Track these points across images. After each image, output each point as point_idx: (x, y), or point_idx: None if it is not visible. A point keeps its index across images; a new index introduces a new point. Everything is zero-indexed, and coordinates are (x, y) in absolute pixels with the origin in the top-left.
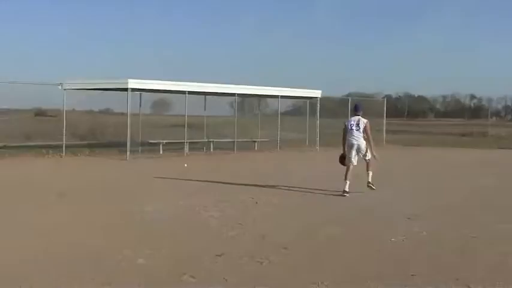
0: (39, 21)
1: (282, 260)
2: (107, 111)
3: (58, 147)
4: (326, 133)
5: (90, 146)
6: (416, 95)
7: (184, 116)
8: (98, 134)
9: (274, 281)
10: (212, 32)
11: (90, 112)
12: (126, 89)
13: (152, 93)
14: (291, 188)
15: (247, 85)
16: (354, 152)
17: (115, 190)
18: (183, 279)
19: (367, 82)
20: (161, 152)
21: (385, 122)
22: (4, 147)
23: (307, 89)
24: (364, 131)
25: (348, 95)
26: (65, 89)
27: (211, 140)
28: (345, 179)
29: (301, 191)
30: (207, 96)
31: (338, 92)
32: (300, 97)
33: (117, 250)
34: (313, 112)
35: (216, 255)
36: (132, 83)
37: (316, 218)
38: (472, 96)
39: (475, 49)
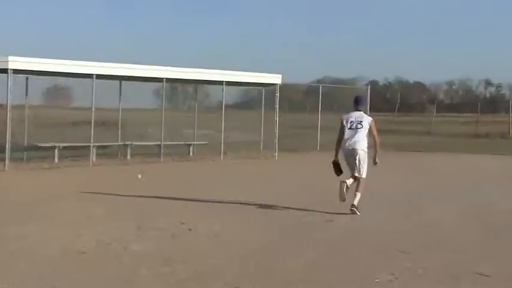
0: None
1: None
2: None
3: None
4: (288, 134)
5: None
6: (411, 81)
7: (91, 109)
8: None
9: None
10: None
11: None
12: (5, 71)
13: (45, 78)
14: (241, 207)
15: (180, 67)
16: (350, 164)
17: None
18: None
19: (345, 64)
20: (56, 160)
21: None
22: None
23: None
24: (371, 131)
25: (318, 82)
26: None
27: (129, 143)
28: (341, 198)
29: (256, 213)
30: (123, 83)
31: (307, 78)
32: (252, 84)
33: None
34: (271, 105)
35: None
36: (15, 62)
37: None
38: (488, 83)
39: (490, 19)
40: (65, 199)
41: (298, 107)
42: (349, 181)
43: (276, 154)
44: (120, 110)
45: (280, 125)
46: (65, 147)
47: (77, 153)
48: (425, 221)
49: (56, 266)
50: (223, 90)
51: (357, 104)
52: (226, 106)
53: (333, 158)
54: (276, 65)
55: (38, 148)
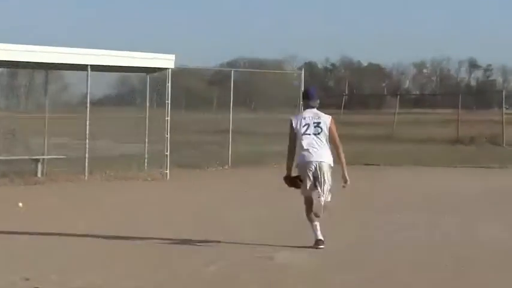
0: None
1: None
2: None
3: None
4: (186, 142)
5: None
6: (364, 63)
7: None
8: None
9: None
10: None
11: None
12: None
13: None
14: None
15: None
16: (311, 179)
17: None
18: None
19: (267, 40)
20: None
21: None
22: None
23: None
24: (330, 134)
25: (229, 65)
26: None
27: None
28: (310, 220)
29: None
30: None
31: (213, 60)
32: (131, 69)
33: None
34: (161, 100)
35: None
36: None
37: None
38: (472, 64)
39: None
40: None
41: (201, 102)
42: (316, 199)
43: (167, 172)
44: None
45: (174, 128)
46: None
47: None
48: None
49: None
50: (87, 79)
51: (309, 98)
52: (94, 102)
53: (284, 174)
54: (167, 43)
55: None
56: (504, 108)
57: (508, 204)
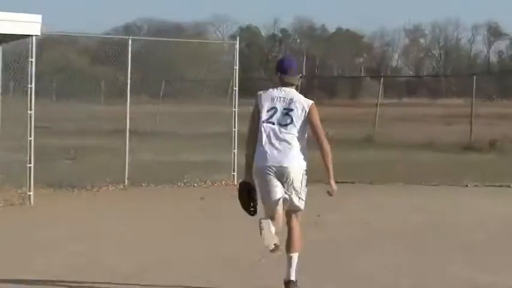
0: None
1: None
2: None
3: None
4: (59, 148)
5: None
6: (331, 29)
7: None
8: None
9: None
10: None
11: None
12: None
13: None
14: None
15: None
16: (276, 185)
17: None
18: None
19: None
20: None
21: (237, 110)
22: None
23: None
24: (311, 127)
25: (127, 31)
26: None
27: None
28: (270, 243)
29: None
30: None
31: (101, 24)
32: None
33: None
34: (19, 83)
35: None
36: None
37: None
38: (493, 31)
39: None
40: None
41: (82, 88)
42: (270, 227)
43: (31, 194)
44: None
45: (41, 127)
46: None
47: None
48: None
49: None
50: None
51: (283, 71)
52: None
53: (242, 179)
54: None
55: None
56: None
57: None
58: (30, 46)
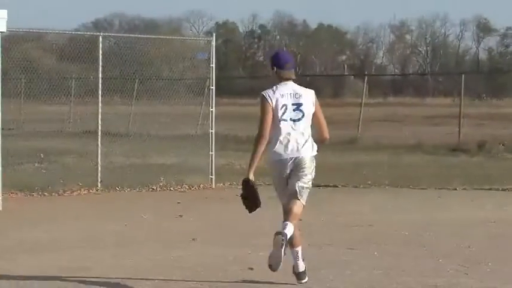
0: None
1: None
2: None
3: None
4: (28, 149)
5: None
6: (313, 25)
7: None
8: None
9: None
10: None
11: None
12: None
13: None
14: None
15: None
16: (285, 178)
17: None
18: None
19: None
20: None
21: (214, 111)
22: None
23: None
24: (317, 115)
25: (99, 25)
26: None
27: None
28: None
29: None
30: None
31: (71, 20)
32: None
33: None
34: None
35: None
36: None
37: None
38: (482, 27)
39: None
40: None
41: (51, 87)
42: (290, 228)
43: (0, 199)
44: None
45: (8, 128)
46: None
47: None
48: None
49: None
50: None
51: (282, 66)
52: None
53: (245, 176)
54: None
55: None
56: None
57: None
58: None
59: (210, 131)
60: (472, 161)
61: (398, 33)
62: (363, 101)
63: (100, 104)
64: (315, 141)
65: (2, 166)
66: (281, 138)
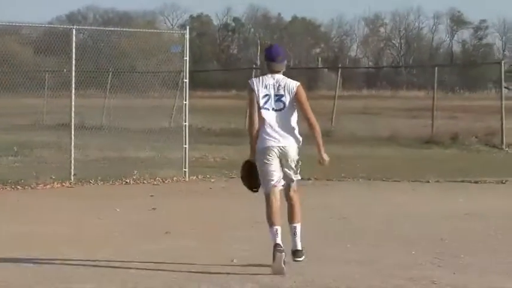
0: None
1: None
2: None
3: None
4: None
5: None
6: (287, 17)
7: None
8: None
9: None
10: None
11: None
12: None
13: None
14: None
15: None
16: (275, 163)
17: None
18: None
19: None
20: None
21: (187, 104)
22: None
23: None
24: (299, 108)
25: (72, 18)
26: None
27: None
28: (271, 224)
29: None
30: None
31: (51, 11)
32: None
33: None
34: None
35: None
36: None
37: None
38: (455, 19)
39: None
40: None
41: (25, 80)
42: (276, 194)
43: None
44: None
45: None
46: None
47: None
48: None
49: None
50: None
51: (272, 58)
52: None
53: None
54: None
55: None
56: (505, 90)
57: None
58: None
59: (184, 123)
60: (445, 154)
61: (372, 26)
62: (337, 94)
63: (73, 97)
64: (308, 133)
65: None
66: (265, 126)
